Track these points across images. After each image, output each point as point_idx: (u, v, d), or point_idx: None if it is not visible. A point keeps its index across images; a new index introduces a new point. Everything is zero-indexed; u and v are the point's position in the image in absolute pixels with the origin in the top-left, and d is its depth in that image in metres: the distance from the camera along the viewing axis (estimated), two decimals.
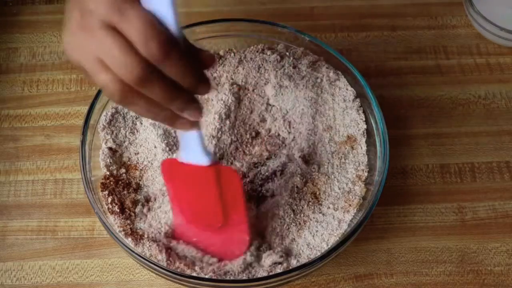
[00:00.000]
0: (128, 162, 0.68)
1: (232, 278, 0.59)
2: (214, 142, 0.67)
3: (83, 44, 0.43)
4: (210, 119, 0.68)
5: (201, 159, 0.53)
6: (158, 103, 0.45)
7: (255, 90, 0.71)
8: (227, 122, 0.68)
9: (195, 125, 0.50)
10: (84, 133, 0.65)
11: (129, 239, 0.61)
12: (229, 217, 0.58)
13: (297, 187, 0.65)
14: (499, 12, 0.84)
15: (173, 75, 0.43)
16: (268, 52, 0.73)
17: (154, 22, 0.41)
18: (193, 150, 0.52)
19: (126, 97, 0.43)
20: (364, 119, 0.69)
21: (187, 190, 0.58)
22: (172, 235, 0.62)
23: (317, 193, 0.65)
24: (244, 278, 0.59)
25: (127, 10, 0.41)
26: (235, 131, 0.68)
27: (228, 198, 0.56)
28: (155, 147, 0.67)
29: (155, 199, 0.65)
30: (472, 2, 0.83)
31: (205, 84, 0.46)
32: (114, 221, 0.62)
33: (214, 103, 0.70)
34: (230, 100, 0.69)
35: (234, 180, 0.55)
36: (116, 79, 0.42)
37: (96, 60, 0.43)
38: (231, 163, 0.66)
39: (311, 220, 0.64)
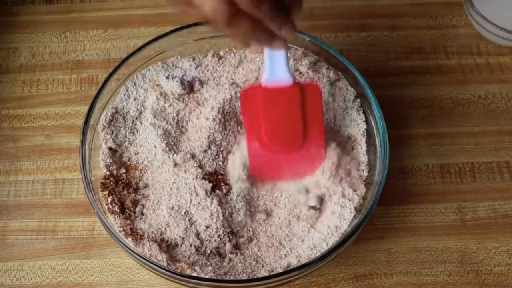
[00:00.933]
0: (128, 162, 0.68)
1: (232, 278, 0.59)
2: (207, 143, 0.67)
3: None
4: (208, 116, 0.68)
5: (286, 78, 0.57)
6: (260, 24, 0.49)
7: None
8: (223, 120, 0.68)
9: (287, 44, 0.56)
10: (84, 133, 0.65)
11: (129, 239, 0.61)
12: (308, 134, 0.61)
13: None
14: (499, 12, 0.84)
15: (263, 19, 0.48)
16: None
17: None
18: (279, 70, 0.57)
19: (233, 18, 0.47)
20: (364, 119, 0.69)
21: (269, 113, 0.60)
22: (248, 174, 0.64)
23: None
24: (245, 278, 0.60)
25: None
26: (232, 129, 0.68)
27: (308, 115, 0.60)
28: (155, 147, 0.67)
29: (155, 199, 0.65)
30: (472, 2, 0.83)
31: (289, 26, 0.52)
32: (114, 221, 0.62)
33: (213, 101, 0.69)
34: (229, 97, 0.68)
35: (316, 95, 0.59)
36: (224, 1, 0.46)
37: None
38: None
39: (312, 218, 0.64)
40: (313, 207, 0.63)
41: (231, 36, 0.51)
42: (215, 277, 0.59)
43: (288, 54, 0.68)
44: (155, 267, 0.57)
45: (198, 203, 0.62)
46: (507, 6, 0.85)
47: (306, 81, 0.59)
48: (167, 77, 0.70)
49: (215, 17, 0.47)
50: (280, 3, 0.49)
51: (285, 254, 0.62)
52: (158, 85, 0.71)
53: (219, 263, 0.61)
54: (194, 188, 0.63)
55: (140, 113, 0.70)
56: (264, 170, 0.64)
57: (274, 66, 0.59)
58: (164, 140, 0.67)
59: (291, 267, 0.59)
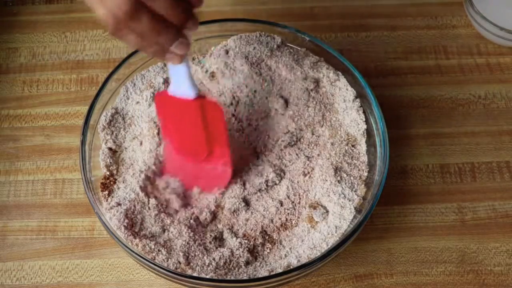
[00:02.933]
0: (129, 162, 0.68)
1: (233, 278, 0.59)
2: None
3: None
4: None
5: (187, 92, 0.56)
6: (149, 36, 0.47)
7: None
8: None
9: (183, 59, 0.53)
10: (84, 133, 0.65)
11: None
12: (213, 149, 0.60)
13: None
14: (499, 12, 0.84)
15: (161, 11, 0.46)
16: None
17: None
18: (181, 83, 0.55)
19: (119, 29, 0.46)
20: (364, 119, 0.69)
21: (176, 122, 0.60)
22: (159, 170, 0.64)
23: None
24: (245, 278, 0.60)
25: None
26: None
27: (212, 131, 0.59)
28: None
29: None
30: (472, 2, 0.83)
31: (192, 20, 0.49)
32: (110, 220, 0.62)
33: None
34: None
35: (217, 113, 0.57)
36: (110, 13, 0.45)
37: None
38: None
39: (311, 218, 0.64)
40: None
41: (125, 43, 0.49)
42: (215, 277, 0.59)
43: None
44: (155, 267, 0.57)
45: None
46: (507, 6, 0.85)
47: (210, 99, 0.58)
48: (164, 81, 0.70)
49: (112, 14, 0.45)
50: (169, 15, 0.47)
51: (285, 254, 0.62)
52: (151, 85, 0.71)
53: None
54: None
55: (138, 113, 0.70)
56: (177, 172, 0.64)
57: (176, 80, 0.57)
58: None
59: (291, 267, 0.59)
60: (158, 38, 0.48)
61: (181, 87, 0.56)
